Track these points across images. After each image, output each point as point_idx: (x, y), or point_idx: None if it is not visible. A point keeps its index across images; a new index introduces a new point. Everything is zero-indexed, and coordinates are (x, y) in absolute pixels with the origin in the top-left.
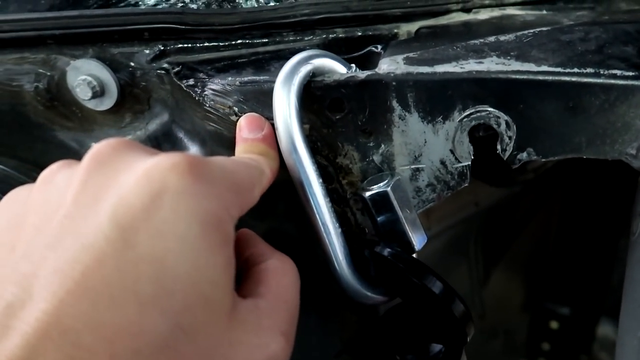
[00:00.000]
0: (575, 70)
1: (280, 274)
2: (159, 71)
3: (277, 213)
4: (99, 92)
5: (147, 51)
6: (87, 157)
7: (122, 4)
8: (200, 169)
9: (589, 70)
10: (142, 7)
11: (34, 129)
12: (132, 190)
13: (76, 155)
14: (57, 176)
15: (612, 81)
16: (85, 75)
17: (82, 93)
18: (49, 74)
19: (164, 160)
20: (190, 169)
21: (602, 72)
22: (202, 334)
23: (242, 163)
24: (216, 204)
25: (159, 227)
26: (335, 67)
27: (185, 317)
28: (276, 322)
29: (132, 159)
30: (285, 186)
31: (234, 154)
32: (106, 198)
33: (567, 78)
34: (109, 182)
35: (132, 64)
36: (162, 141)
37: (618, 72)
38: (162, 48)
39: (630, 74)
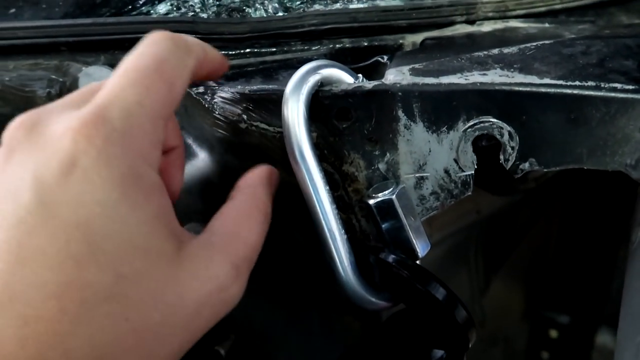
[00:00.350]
0: (577, 83)
1: (240, 212)
2: None
3: (282, 218)
4: None
5: None
6: (2, 141)
7: (134, 13)
8: (101, 135)
9: (590, 83)
10: (154, 15)
11: None
12: (47, 168)
13: None
14: None
15: (613, 94)
16: (96, 82)
17: None
18: (61, 80)
19: (66, 134)
20: (92, 140)
21: (602, 85)
22: (147, 278)
23: (149, 64)
24: (128, 162)
25: (78, 198)
26: (343, 77)
27: (124, 267)
28: (228, 255)
29: (40, 135)
30: (291, 191)
31: (243, 162)
32: (26, 178)
33: (568, 91)
34: (24, 163)
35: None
36: None
37: (618, 85)
38: None
39: (630, 87)
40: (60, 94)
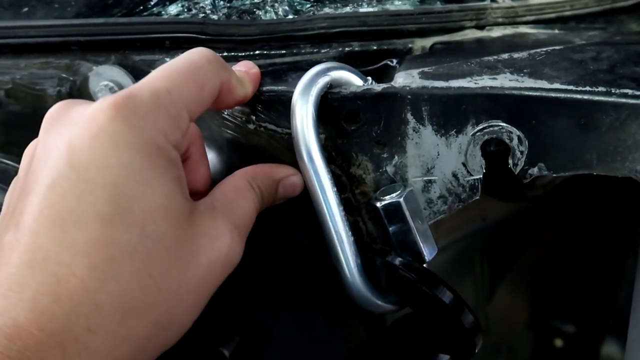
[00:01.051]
0: (587, 88)
1: (237, 186)
2: None
3: (289, 219)
4: None
5: (168, 59)
6: (44, 120)
7: (145, 14)
8: (129, 107)
9: (601, 88)
10: (165, 16)
11: None
12: (78, 136)
13: None
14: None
15: (624, 100)
16: (107, 81)
17: None
18: (71, 78)
19: (98, 109)
20: (121, 110)
21: (613, 91)
22: (168, 237)
23: (185, 66)
24: (152, 134)
25: (105, 161)
26: (352, 80)
27: (149, 226)
28: (229, 218)
29: (77, 112)
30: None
31: (251, 163)
32: (60, 146)
33: (579, 96)
34: (60, 134)
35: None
36: None
37: (629, 91)
38: None
39: None
40: (70, 93)
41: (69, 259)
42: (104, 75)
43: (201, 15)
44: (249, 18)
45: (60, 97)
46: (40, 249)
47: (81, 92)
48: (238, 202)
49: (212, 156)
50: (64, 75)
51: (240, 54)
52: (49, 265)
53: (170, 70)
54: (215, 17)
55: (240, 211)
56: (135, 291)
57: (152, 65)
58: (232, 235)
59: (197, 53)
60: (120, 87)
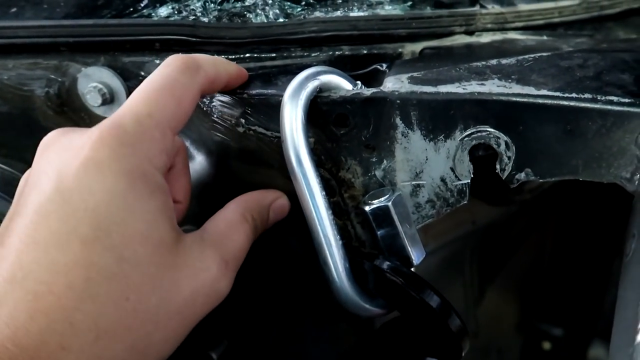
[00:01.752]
0: (574, 95)
1: (231, 219)
2: None
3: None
4: (108, 99)
5: (158, 61)
6: (39, 147)
7: (135, 15)
8: (115, 137)
9: (587, 95)
10: (155, 18)
11: (42, 133)
12: (66, 163)
13: None
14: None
15: (609, 107)
16: (96, 83)
17: (92, 99)
18: (60, 80)
19: (87, 138)
20: (106, 139)
21: (599, 98)
22: (146, 263)
23: (161, 83)
24: (137, 161)
25: (90, 186)
26: (342, 84)
27: (127, 251)
28: (218, 251)
29: (68, 141)
30: (290, 200)
31: (239, 166)
32: (50, 172)
33: (565, 102)
34: (51, 160)
35: (142, 73)
36: None
37: (615, 98)
38: None
39: (627, 100)
40: (59, 94)
41: (48, 278)
42: (93, 76)
43: (192, 17)
44: (239, 21)
45: (48, 98)
46: (22, 267)
47: (70, 93)
48: (230, 235)
49: (201, 159)
50: (52, 76)
51: (230, 57)
52: (28, 282)
53: (148, 91)
54: (205, 19)
55: (232, 244)
56: (111, 313)
57: (142, 67)
58: (220, 268)
59: (170, 65)
60: (110, 89)
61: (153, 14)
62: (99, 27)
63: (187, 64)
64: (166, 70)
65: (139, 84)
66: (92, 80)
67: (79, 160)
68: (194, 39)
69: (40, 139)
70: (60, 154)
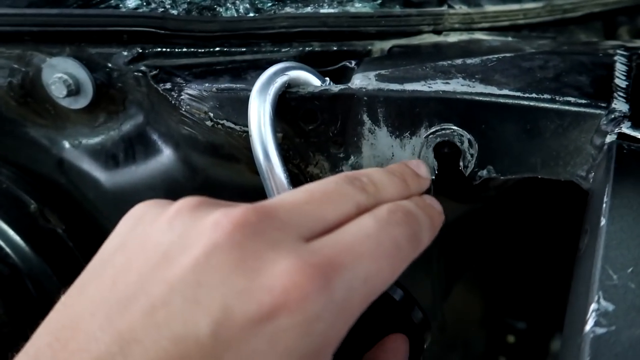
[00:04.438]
0: (534, 95)
1: None
2: (135, 73)
3: None
4: (74, 91)
5: (125, 53)
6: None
7: (103, 6)
8: (322, 294)
9: (546, 96)
10: (123, 9)
11: (5, 124)
12: (240, 304)
13: (47, 152)
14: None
15: (566, 107)
16: (61, 73)
17: (57, 91)
18: (23, 69)
19: (288, 271)
20: (312, 290)
21: (557, 99)
22: None
23: (385, 242)
24: (321, 341)
25: (250, 356)
26: (310, 80)
27: None
28: None
29: (255, 257)
30: (256, 192)
31: (207, 160)
32: (211, 304)
33: (525, 102)
34: (216, 287)
35: (109, 64)
36: (135, 142)
37: (572, 99)
38: (140, 51)
39: (583, 101)
40: (22, 85)
41: None
42: (58, 67)
43: (160, 9)
44: (209, 14)
45: (11, 88)
46: None
47: (34, 84)
48: None
49: (168, 152)
50: (15, 65)
51: (200, 50)
52: None
53: (377, 247)
54: (175, 12)
55: None
56: None
57: (109, 58)
58: None
59: (405, 224)
60: (75, 80)
61: (121, 5)
62: (65, 16)
63: (427, 225)
64: (402, 230)
65: (105, 76)
66: (57, 70)
67: (257, 307)
68: (163, 32)
69: (2, 130)
70: (235, 279)
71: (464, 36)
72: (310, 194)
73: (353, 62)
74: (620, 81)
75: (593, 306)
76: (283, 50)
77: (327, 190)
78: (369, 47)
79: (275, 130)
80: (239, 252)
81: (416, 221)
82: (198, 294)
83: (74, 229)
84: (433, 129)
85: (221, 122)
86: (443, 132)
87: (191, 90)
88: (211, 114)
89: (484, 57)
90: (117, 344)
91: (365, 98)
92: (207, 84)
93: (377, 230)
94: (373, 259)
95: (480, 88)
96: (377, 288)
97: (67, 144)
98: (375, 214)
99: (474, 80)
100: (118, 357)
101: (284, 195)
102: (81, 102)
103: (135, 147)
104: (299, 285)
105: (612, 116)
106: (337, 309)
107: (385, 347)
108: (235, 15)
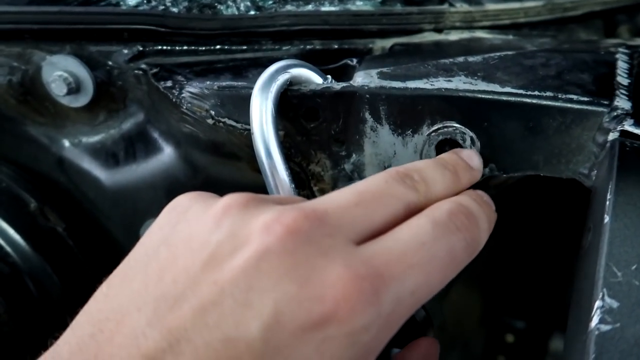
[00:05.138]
0: (536, 93)
1: None
2: (136, 71)
3: None
4: (74, 89)
5: (126, 51)
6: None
7: (103, 3)
8: (373, 308)
9: (548, 93)
10: (123, 7)
11: (5, 122)
12: (291, 310)
13: (47, 150)
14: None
15: (569, 105)
16: (61, 71)
17: (57, 89)
18: (23, 67)
19: (338, 290)
20: (362, 310)
21: (560, 96)
22: None
23: (442, 257)
24: (365, 351)
25: None
26: (312, 78)
27: None
28: None
29: (306, 261)
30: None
31: (208, 158)
32: (262, 308)
33: (528, 100)
34: (266, 289)
35: (109, 62)
36: (135, 141)
37: (574, 97)
38: (140, 49)
39: (585, 99)
40: (22, 82)
41: None
42: (58, 65)
43: (161, 7)
44: (210, 12)
45: (11, 86)
46: None
47: (33, 82)
48: None
49: (169, 151)
50: (15, 63)
51: (200, 48)
52: None
53: (430, 258)
54: (175, 9)
55: None
56: None
57: (109, 56)
58: None
59: (458, 232)
60: (75, 78)
61: (121, 3)
62: (65, 14)
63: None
64: (453, 241)
65: (105, 74)
66: (58, 68)
67: (308, 316)
68: (163, 30)
69: (2, 128)
70: (287, 285)
71: (465, 34)
72: (360, 195)
73: (354, 60)
74: (623, 79)
75: (597, 303)
76: (284, 48)
77: (377, 191)
78: (370, 45)
79: (277, 128)
80: (291, 258)
81: (476, 224)
82: (249, 297)
83: (74, 227)
84: (435, 127)
85: (222, 120)
86: (445, 129)
87: (192, 88)
88: (212, 112)
89: (486, 55)
90: (166, 340)
91: (367, 96)
92: (208, 82)
93: (433, 239)
94: (424, 271)
95: (482, 86)
96: (423, 299)
97: (67, 143)
98: (433, 216)
99: (476, 78)
100: (168, 354)
101: (333, 195)
102: (81, 100)
103: (136, 145)
104: (348, 297)
105: (615, 114)
106: (383, 322)
107: (416, 352)
108: (236, 13)
